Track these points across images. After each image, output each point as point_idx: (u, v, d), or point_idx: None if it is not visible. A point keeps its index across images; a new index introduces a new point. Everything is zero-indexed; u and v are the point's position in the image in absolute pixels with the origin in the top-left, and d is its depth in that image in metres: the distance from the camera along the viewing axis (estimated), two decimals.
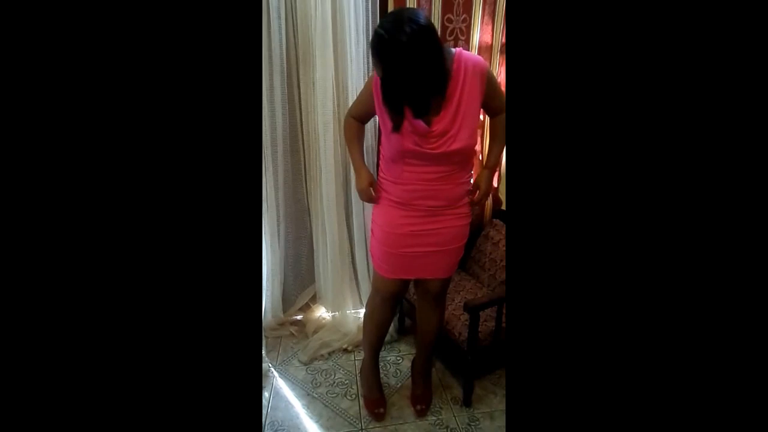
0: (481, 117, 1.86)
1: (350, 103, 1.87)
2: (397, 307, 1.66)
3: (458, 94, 1.27)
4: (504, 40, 1.92)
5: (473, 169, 1.48)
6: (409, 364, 1.90)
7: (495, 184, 2.15)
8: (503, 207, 2.16)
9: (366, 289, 2.12)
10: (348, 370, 1.94)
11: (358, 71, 1.87)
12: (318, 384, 1.86)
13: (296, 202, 2.08)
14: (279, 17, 1.74)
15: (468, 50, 1.89)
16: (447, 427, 1.66)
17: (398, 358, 2.03)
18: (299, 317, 2.24)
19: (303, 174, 2.05)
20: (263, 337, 2.02)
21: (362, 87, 1.66)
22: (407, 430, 1.65)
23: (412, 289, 1.71)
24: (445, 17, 1.85)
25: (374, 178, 1.50)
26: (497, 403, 1.77)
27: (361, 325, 1.76)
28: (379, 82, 1.31)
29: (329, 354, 2.02)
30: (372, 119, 1.57)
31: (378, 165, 1.60)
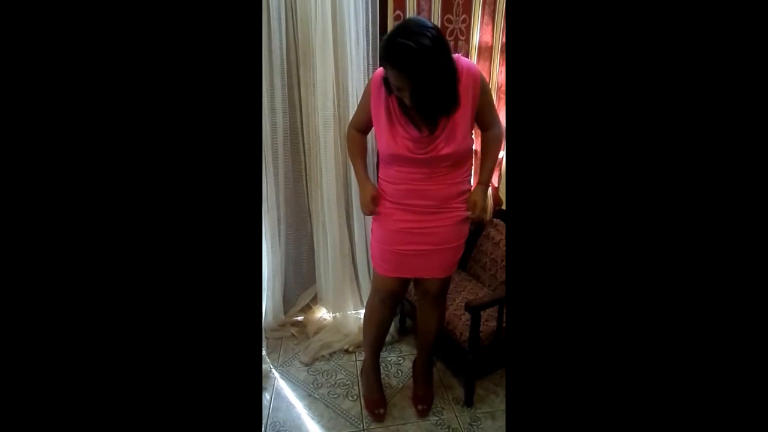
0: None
1: (350, 104, 1.88)
2: (396, 307, 1.66)
3: None
4: (504, 40, 1.92)
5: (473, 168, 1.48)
6: (411, 365, 1.90)
7: (495, 183, 2.15)
8: (503, 207, 2.16)
9: (367, 289, 2.12)
10: (349, 371, 1.94)
11: (359, 72, 1.87)
12: (319, 385, 1.86)
13: (297, 203, 2.07)
14: (279, 18, 1.74)
15: (468, 50, 1.90)
16: (448, 427, 1.66)
17: (399, 358, 2.03)
18: (300, 318, 2.24)
19: (303, 175, 2.05)
20: (264, 338, 2.02)
21: (362, 88, 1.67)
22: (409, 431, 1.65)
23: (412, 289, 1.71)
24: (445, 17, 1.85)
25: (377, 192, 1.50)
26: (499, 403, 1.77)
27: (362, 325, 1.76)
28: (378, 82, 1.31)
29: (330, 355, 2.02)
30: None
31: (378, 165, 1.61)
